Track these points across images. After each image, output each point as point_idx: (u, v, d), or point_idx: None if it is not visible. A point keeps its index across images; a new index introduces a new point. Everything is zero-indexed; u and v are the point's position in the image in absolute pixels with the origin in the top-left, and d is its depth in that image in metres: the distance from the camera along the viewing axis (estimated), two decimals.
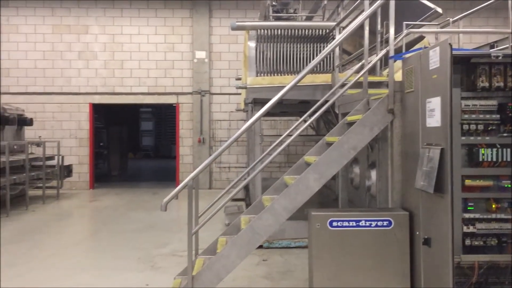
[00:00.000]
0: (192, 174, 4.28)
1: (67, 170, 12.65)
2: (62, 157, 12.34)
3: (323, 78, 6.89)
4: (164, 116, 28.91)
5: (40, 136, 12.90)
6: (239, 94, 12.42)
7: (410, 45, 6.86)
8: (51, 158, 12.00)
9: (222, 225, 8.31)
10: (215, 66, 14.18)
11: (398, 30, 4.91)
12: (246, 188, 10.32)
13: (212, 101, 14.13)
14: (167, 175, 17.77)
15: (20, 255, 6.60)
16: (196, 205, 4.37)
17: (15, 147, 11.12)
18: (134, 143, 26.19)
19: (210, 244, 5.01)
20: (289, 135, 5.13)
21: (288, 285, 5.26)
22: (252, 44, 7.99)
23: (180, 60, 14.19)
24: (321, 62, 7.80)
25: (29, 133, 12.83)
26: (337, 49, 6.41)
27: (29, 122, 12.08)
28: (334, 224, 3.97)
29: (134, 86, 14.13)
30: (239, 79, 11.47)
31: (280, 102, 4.44)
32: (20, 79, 13.92)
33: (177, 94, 14.18)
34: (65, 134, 13.89)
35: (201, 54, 14.08)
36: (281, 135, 5.69)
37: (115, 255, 6.61)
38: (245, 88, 7.74)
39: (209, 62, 14.06)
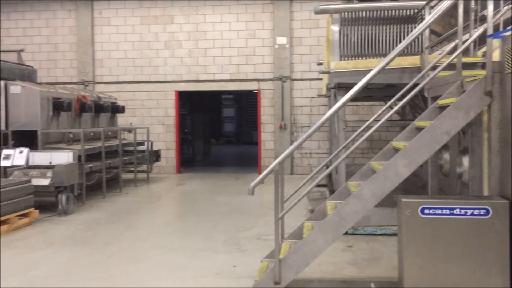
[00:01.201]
0: (278, 159, 4.31)
1: (156, 155, 13.29)
2: (151, 143, 12.98)
3: (410, 61, 6.63)
4: (245, 102, 29.32)
5: (131, 123, 13.63)
6: (321, 79, 12.29)
7: (507, 23, 6.39)
8: (141, 143, 12.65)
9: (305, 210, 8.33)
10: (296, 51, 14.12)
11: (494, 7, 4.59)
12: (329, 174, 10.24)
13: (293, 87, 14.11)
14: (248, 161, 18.09)
15: (116, 235, 7.07)
16: (282, 190, 4.41)
17: (109, 133, 11.86)
18: (216, 129, 26.86)
19: (295, 229, 5.06)
20: (376, 120, 5.01)
21: (375, 272, 5.19)
22: (335, 27, 7.84)
23: (261, 46, 14.29)
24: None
25: (121, 120, 13.60)
26: (426, 30, 6.12)
27: (121, 110, 12.80)
28: (426, 211, 3.83)
29: (217, 74, 14.46)
30: (320, 64, 11.34)
31: (365, 87, 4.33)
32: (113, 69, 14.76)
33: (258, 80, 14.31)
34: (153, 120, 14.57)
35: (282, 40, 14.07)
36: (364, 120, 5.57)
37: (203, 236, 6.88)
38: (329, 73, 7.64)
39: (290, 48, 14.03)
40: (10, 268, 5.46)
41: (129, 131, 12.68)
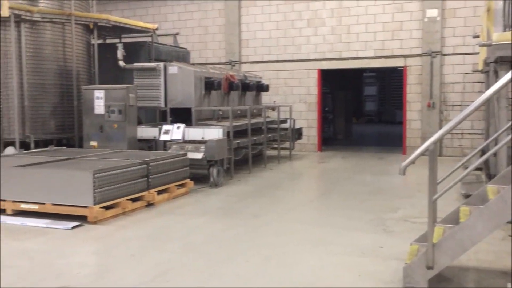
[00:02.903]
0: (434, 137, 4.06)
1: (298, 133, 13.50)
2: (294, 121, 13.20)
3: None
4: (388, 80, 28.21)
5: (274, 101, 13.98)
6: (476, 53, 11.26)
7: None
8: (284, 121, 12.94)
9: (456, 194, 7.78)
10: (448, 24, 13.10)
11: None
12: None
13: (444, 63, 13.15)
14: (391, 141, 17.45)
15: (262, 208, 7.37)
16: (435, 172, 4.15)
17: (254, 111, 12.33)
18: (357, 108, 26.31)
19: (448, 214, 4.76)
20: None
21: None
22: None
23: (409, 20, 13.52)
24: None
25: (265, 98, 14.02)
26: None
27: (266, 88, 13.19)
28: None
29: (360, 51, 14.08)
30: (476, 36, 10.34)
31: None
32: (257, 49, 15.23)
33: (404, 56, 13.62)
34: (295, 99, 14.77)
35: (432, 13, 13.15)
36: None
37: (347, 215, 6.84)
38: (490, 45, 6.95)
39: (441, 21, 13.06)
40: (171, 233, 6.03)
41: (273, 109, 13.03)
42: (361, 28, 14.00)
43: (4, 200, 6.64)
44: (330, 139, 17.60)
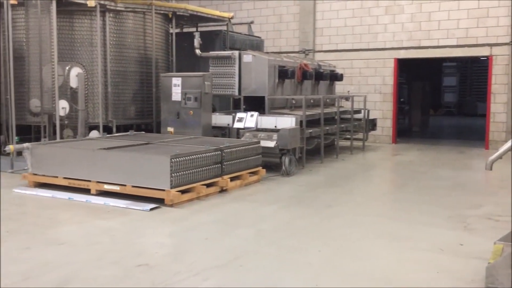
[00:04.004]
0: None
1: (372, 124, 13.17)
2: (368, 111, 12.88)
3: None
4: (470, 70, 26.75)
5: (348, 91, 13.73)
6: None
7: None
8: (358, 111, 12.66)
9: None
10: None
11: None
12: None
13: None
14: (472, 134, 16.57)
15: (335, 198, 7.28)
16: None
17: (327, 100, 12.16)
18: (435, 100, 25.18)
19: None
20: None
21: None
22: None
23: (497, 7, 12.71)
24: None
25: (338, 87, 13.78)
26: None
27: (340, 78, 12.95)
28: None
29: (441, 39, 13.45)
30: None
31: None
32: (332, 37, 14.98)
33: (490, 45, 12.84)
34: (370, 89, 14.40)
35: None
36: None
37: (424, 210, 6.58)
38: None
39: None
40: (243, 220, 6.11)
41: (347, 99, 12.79)
42: (443, 15, 13.34)
43: (89, 181, 7.04)
44: (405, 131, 17.02)
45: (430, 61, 18.35)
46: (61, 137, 9.20)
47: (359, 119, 12.62)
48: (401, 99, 17.26)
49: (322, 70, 12.18)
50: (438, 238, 5.31)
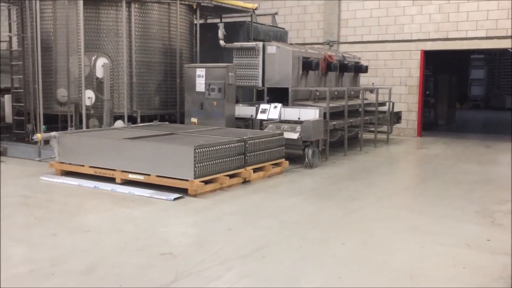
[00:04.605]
0: None
1: (397, 117, 12.99)
2: (393, 104, 12.71)
3: None
4: (498, 63, 26.11)
5: (373, 83, 13.52)
6: None
7: None
8: (382, 104, 12.50)
9: None
10: None
11: None
12: None
13: None
14: (500, 128, 16.20)
15: (358, 191, 7.21)
16: None
17: (351, 92, 12.04)
18: (461, 93, 24.68)
19: None
20: None
21: None
22: None
23: None
24: None
25: (363, 79, 13.62)
26: None
27: (364, 70, 12.80)
28: None
29: (470, 31, 13.13)
30: None
31: None
32: (357, 28, 14.78)
33: None
34: (395, 81, 14.19)
35: None
36: None
37: (449, 204, 6.47)
38: None
39: None
40: (266, 211, 6.11)
41: (371, 91, 12.64)
42: (472, 6, 13.02)
43: (114, 170, 7.13)
44: (430, 124, 16.73)
45: (457, 53, 17.99)
46: (87, 127, 9.33)
47: (384, 112, 12.46)
48: (427, 92, 16.95)
49: (346, 62, 12.05)
50: (464, 233, 5.22)
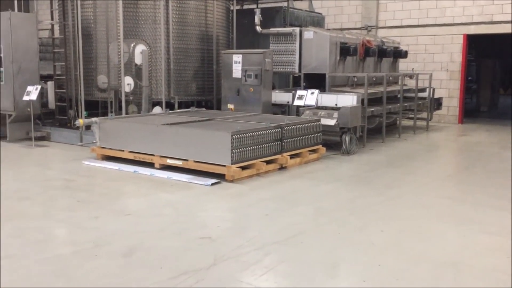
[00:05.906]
0: None
1: (437, 103, 12.67)
2: (433, 90, 12.38)
3: None
4: None
5: (413, 69, 13.21)
6: None
7: None
8: (422, 90, 12.21)
9: None
10: None
11: None
12: None
13: None
14: None
15: (396, 178, 7.09)
16: None
17: (390, 78, 11.79)
18: (506, 79, 23.73)
19: None
20: None
21: None
22: None
23: None
24: None
25: (402, 65, 13.32)
26: None
27: (404, 55, 12.50)
28: None
29: None
30: None
31: None
32: (396, 12, 14.42)
33: None
34: (436, 66, 13.80)
35: None
36: None
37: (492, 193, 6.28)
38: None
39: None
40: (303, 197, 6.09)
41: (411, 77, 12.35)
42: None
43: (153, 155, 7.26)
44: (472, 111, 16.26)
45: (502, 37, 17.28)
46: (126, 113, 9.51)
47: (424, 98, 12.16)
48: (469, 78, 16.43)
49: (385, 47, 11.80)
50: (508, 222, 5.05)
